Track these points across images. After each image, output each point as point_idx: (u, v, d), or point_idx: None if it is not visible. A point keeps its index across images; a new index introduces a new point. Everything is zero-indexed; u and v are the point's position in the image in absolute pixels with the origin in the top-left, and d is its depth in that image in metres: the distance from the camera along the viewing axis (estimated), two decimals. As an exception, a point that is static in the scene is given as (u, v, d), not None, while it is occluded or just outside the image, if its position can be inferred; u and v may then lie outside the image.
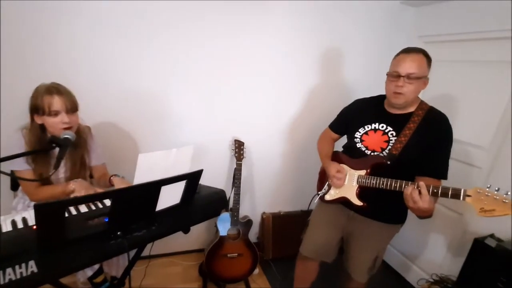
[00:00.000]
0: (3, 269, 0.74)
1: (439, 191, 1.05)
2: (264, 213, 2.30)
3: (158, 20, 1.65)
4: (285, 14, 1.87)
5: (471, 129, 1.74)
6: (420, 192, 1.06)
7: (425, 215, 1.12)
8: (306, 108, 2.16)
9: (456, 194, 1.01)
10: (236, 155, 1.93)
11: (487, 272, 1.50)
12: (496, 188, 0.96)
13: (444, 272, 1.80)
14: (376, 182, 1.24)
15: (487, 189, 0.96)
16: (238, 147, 1.94)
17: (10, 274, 0.75)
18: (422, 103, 1.28)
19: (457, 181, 1.58)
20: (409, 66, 1.18)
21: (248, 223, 1.96)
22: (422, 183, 1.06)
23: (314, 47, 2.02)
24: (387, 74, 1.27)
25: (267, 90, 2.02)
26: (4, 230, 0.88)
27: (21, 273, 0.76)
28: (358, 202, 1.33)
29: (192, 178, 1.12)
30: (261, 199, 2.30)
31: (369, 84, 2.09)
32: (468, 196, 0.99)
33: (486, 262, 1.51)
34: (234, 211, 1.89)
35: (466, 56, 1.81)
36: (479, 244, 1.55)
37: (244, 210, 2.25)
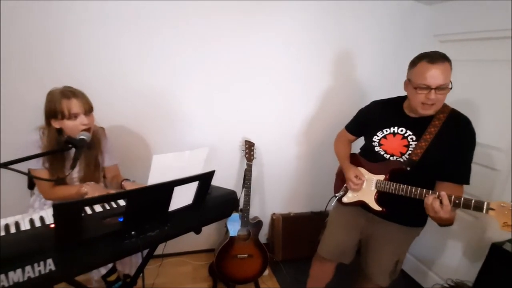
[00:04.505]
0: (22, 267, 0.75)
1: (461, 202, 1.01)
2: (274, 214, 2.29)
3: (168, 21, 1.66)
4: (297, 13, 1.85)
5: (490, 131, 1.68)
6: (441, 202, 1.03)
7: (446, 223, 1.10)
8: (318, 110, 2.14)
9: (478, 207, 0.98)
10: (247, 155, 1.93)
11: (504, 278, 1.45)
12: None
13: (460, 277, 1.75)
14: (395, 188, 1.21)
15: None
16: (249, 147, 1.93)
17: (29, 272, 0.76)
18: (443, 105, 1.22)
19: (476, 183, 1.53)
20: (439, 77, 1.10)
21: (258, 224, 1.96)
22: (443, 193, 1.03)
23: (327, 48, 2.00)
24: (414, 87, 1.16)
25: (278, 91, 2.01)
26: (22, 228, 0.90)
27: (39, 271, 0.77)
28: (377, 207, 1.31)
29: (204, 179, 1.12)
30: (271, 200, 2.30)
31: (384, 84, 2.06)
32: (492, 209, 0.96)
33: (504, 267, 1.47)
34: (244, 212, 1.88)
35: (484, 56, 1.76)
36: (497, 249, 1.51)
37: (254, 211, 2.25)
